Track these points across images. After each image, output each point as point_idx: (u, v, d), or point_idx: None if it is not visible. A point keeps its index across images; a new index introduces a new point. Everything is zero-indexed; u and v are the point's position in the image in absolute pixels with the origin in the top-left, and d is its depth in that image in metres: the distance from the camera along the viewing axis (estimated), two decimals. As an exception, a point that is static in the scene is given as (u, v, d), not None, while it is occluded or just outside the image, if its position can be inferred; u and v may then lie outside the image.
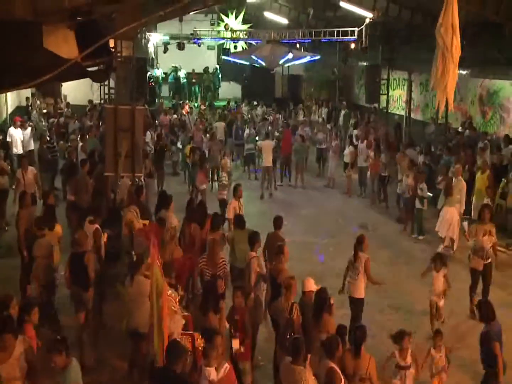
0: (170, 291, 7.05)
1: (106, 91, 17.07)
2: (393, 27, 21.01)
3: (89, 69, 10.99)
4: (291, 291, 7.21)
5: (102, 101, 22.37)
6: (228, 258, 9.43)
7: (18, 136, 16.81)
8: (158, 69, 30.78)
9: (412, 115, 21.84)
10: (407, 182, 13.60)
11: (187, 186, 16.62)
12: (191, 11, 20.46)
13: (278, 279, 7.89)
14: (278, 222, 9.64)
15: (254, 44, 27.11)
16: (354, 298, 8.58)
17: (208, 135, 19.17)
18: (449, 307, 9.55)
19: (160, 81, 30.89)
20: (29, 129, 17.70)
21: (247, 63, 27.78)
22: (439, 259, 9.01)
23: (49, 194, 11.07)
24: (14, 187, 12.86)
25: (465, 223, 11.49)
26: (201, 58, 30.90)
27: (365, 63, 24.06)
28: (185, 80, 31.11)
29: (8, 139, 16.76)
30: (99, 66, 12.21)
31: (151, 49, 30.17)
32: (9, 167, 14.49)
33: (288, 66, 28.98)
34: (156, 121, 21.78)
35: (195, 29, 24.75)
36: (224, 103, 27.24)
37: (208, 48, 31.87)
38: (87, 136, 16.63)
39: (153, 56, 31.33)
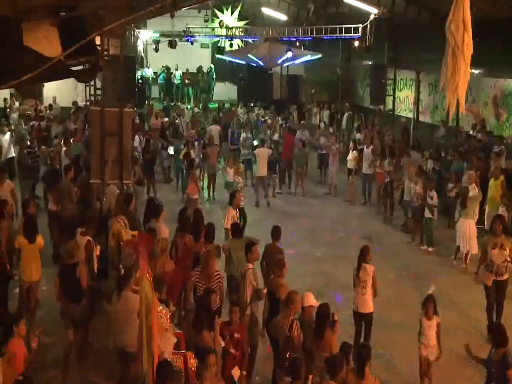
0: (160, 307, 7.02)
1: (92, 92, 17.07)
2: (399, 24, 21.11)
3: (74, 68, 10.96)
4: (290, 307, 7.19)
5: (87, 103, 22.39)
6: (225, 268, 9.43)
7: (-5, 142, 16.79)
8: (148, 68, 30.90)
9: (421, 118, 21.91)
10: (416, 189, 13.62)
11: (181, 194, 16.62)
12: (183, 7, 20.53)
13: (277, 294, 7.87)
14: (276, 232, 9.64)
15: (251, 42, 27.30)
16: (363, 313, 8.58)
17: (203, 140, 19.20)
18: (455, 322, 9.53)
19: (150, 82, 31.01)
20: (8, 134, 17.66)
21: (244, 63, 27.86)
22: (431, 304, 7.72)
23: (29, 203, 11.04)
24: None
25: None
26: (194, 57, 31.02)
27: (369, 63, 24.15)
28: (179, 81, 31.18)
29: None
30: (84, 66, 12.19)
31: (140, 47, 30.31)
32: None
33: (287, 66, 29.05)
34: (146, 125, 21.81)
35: (187, 26, 24.85)
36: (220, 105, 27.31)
37: (201, 47, 32.00)
38: (71, 141, 16.60)
39: (143, 55, 31.44)
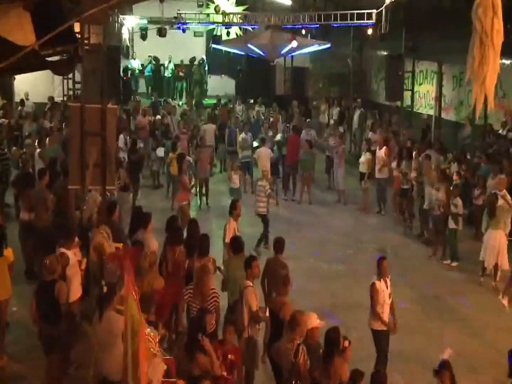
0: (148, 329, 7.00)
1: (71, 86, 17.14)
2: (419, 9, 21.17)
3: (50, 59, 10.98)
4: (296, 329, 7.17)
5: (65, 98, 22.42)
6: (221, 287, 9.44)
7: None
8: (134, 59, 30.98)
9: (443, 115, 21.95)
10: (438, 196, 13.62)
11: (171, 202, 16.64)
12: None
13: (280, 315, 7.86)
14: (279, 244, 9.65)
15: (251, 30, 27.32)
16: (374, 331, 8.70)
17: (196, 140, 19.23)
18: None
19: (136, 75, 31.07)
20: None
21: (242, 53, 27.93)
22: (447, 374, 6.88)
23: (-3, 212, 11.07)
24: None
25: None
26: (187, 47, 31.10)
27: (384, 53, 24.22)
28: (171, 74, 31.22)
29: None
30: (62, 56, 12.20)
31: (125, 35, 30.40)
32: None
33: (292, 57, 29.10)
34: (132, 123, 21.83)
35: (179, 12, 24.91)
36: (214, 101, 27.33)
37: (195, 35, 32.05)
38: (46, 141, 16.62)
39: (128, 44, 31.51)
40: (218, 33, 28.08)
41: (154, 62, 31.43)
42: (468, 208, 14.24)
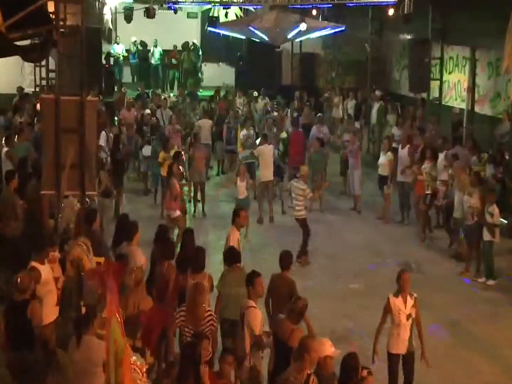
0: (134, 357, 6.99)
1: (44, 74, 17.14)
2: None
3: (19, 43, 11.02)
4: (305, 357, 7.14)
5: (37, 89, 22.42)
6: (215, 308, 9.42)
7: None
8: (117, 44, 30.99)
9: (477, 109, 21.88)
10: (470, 203, 13.62)
11: (160, 209, 16.64)
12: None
13: (288, 342, 7.83)
14: (286, 259, 9.64)
15: (253, 10, 27.36)
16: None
17: (189, 138, 19.25)
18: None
19: (121, 62, 31.07)
20: None
21: (243, 38, 27.95)
22: None
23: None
24: None
25: None
26: (179, 30, 31.11)
27: (408, 37, 24.19)
28: (159, 61, 31.22)
29: None
30: (33, 40, 12.26)
31: (107, 16, 30.40)
32: None
33: (300, 42, 29.15)
34: (116, 118, 21.86)
35: (169, -11, 24.96)
36: (210, 92, 27.34)
37: (188, 16, 32.17)
38: (15, 139, 16.63)
39: (111, 27, 31.54)
40: (215, 14, 28.09)
41: (141, 48, 31.44)
42: (506, 217, 14.21)
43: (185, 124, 21.46)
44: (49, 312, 9.02)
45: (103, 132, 17.98)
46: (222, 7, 26.62)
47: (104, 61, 28.54)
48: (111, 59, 29.92)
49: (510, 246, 14.64)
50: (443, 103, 23.05)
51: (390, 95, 25.13)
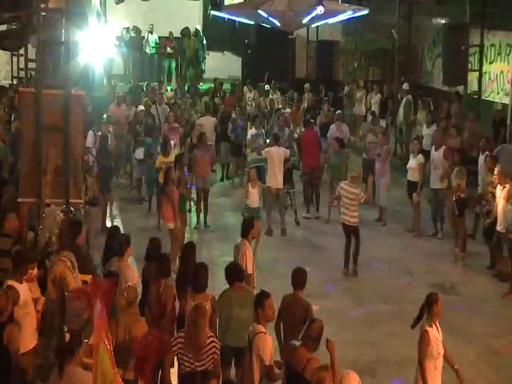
0: (124, 391, 6.99)
1: (22, 65, 17.15)
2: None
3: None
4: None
5: (14, 82, 22.47)
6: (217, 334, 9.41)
7: None
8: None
9: (523, 104, 21.83)
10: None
11: (156, 219, 16.64)
12: None
13: (304, 373, 7.80)
14: (299, 277, 9.61)
15: (263, -9, 27.38)
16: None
17: (189, 138, 19.26)
18: None
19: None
20: None
21: (251, 23, 27.93)
22: None
23: None
24: None
25: None
26: (178, 14, 31.19)
27: (442, 21, 24.17)
28: (154, 50, 31.21)
29: None
30: (10, 25, 12.30)
31: (96, -3, 30.48)
32: None
33: (317, 28, 29.14)
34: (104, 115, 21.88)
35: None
36: (213, 85, 27.34)
37: (188, -2, 32.25)
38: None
39: (99, 10, 31.59)
40: (220, -4, 28.22)
41: (134, 35, 31.48)
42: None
43: (184, 122, 21.46)
44: (28, 338, 9.01)
45: (91, 132, 18.02)
46: (227, -13, 26.77)
47: (92, 50, 28.57)
48: (100, 48, 29.94)
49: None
50: (482, 97, 22.97)
51: (420, 88, 25.09)
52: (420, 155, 17.37)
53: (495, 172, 14.87)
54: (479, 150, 17.27)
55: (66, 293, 9.60)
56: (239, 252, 11.18)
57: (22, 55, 16.98)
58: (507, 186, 14.07)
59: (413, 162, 17.34)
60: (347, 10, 25.20)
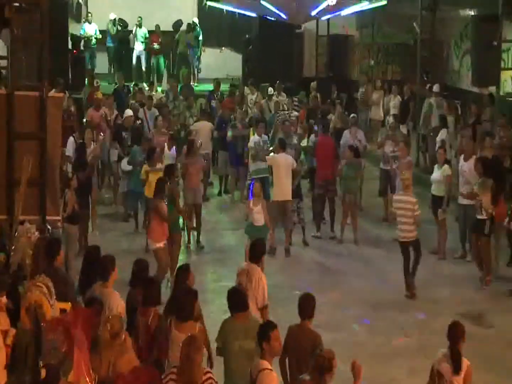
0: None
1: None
2: None
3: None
4: None
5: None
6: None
7: None
8: (89, 24, 31.10)
9: None
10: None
11: (144, 239, 16.64)
12: None
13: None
14: (307, 305, 9.61)
15: (267, -22, 27.49)
16: None
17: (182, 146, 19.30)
18: None
19: (93, 46, 31.13)
20: None
21: (253, 15, 28.03)
22: None
23: None
24: None
25: None
26: (169, 5, 31.28)
27: (471, 12, 24.22)
28: (143, 46, 31.19)
29: None
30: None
31: (76, -14, 30.63)
32: None
33: (328, 20, 29.15)
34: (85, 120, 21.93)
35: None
36: (210, 86, 27.38)
37: (181, -14, 32.35)
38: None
39: (81, 0, 31.70)
40: (217, -16, 28.31)
41: (119, 28, 31.55)
42: None
43: (179, 127, 21.48)
44: (-3, 375, 9.05)
45: (71, 139, 18.03)
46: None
47: (71, 46, 28.58)
48: (81, 43, 29.93)
49: None
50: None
51: (446, 89, 25.09)
52: (446, 166, 17.30)
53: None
54: (511, 160, 17.33)
55: (42, 324, 9.62)
56: (251, 280, 11.05)
57: (-8, 51, 17.10)
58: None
59: (438, 174, 17.27)
60: (362, 1, 25.32)
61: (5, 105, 10.78)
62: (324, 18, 27.71)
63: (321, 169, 18.50)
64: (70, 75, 27.05)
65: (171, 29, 32.01)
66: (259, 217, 15.68)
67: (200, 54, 32.25)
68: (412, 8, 25.57)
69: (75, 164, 17.09)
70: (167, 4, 30.73)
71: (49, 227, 11.66)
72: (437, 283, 15.82)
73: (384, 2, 24.91)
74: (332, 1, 23.22)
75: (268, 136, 20.10)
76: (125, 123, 20.73)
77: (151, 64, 31.67)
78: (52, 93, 11.46)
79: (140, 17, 30.83)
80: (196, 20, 32.14)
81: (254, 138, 19.55)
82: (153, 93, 26.41)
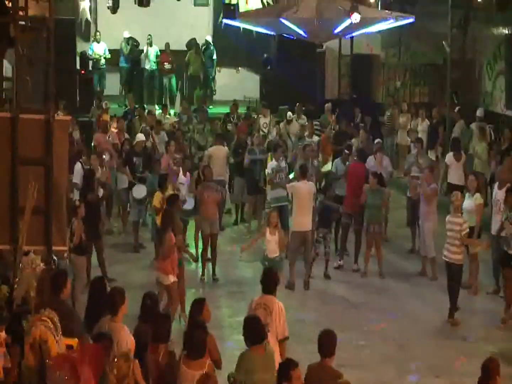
0: None
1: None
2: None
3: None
4: None
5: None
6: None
7: None
8: (98, 43, 31.26)
9: None
10: None
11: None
12: None
13: None
14: (328, 342, 9.55)
15: (286, -5, 27.59)
16: None
17: (196, 172, 19.30)
18: None
19: (102, 66, 31.26)
20: None
21: (272, 34, 28.09)
22: None
23: None
24: None
25: None
26: (183, 24, 31.38)
27: (505, 31, 24.21)
28: (155, 66, 31.24)
29: None
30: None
31: (85, 4, 30.75)
32: None
33: (351, 39, 29.21)
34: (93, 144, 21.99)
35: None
36: (226, 109, 27.42)
37: (195, 4, 32.50)
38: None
39: (89, 19, 31.86)
40: (233, 1, 28.36)
41: (133, 47, 31.63)
42: None
43: (191, 152, 21.53)
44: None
45: (78, 165, 18.07)
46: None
47: (79, 66, 28.71)
48: (89, 63, 30.05)
49: None
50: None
51: (479, 113, 25.04)
52: (478, 194, 17.24)
53: None
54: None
55: (47, 361, 9.61)
56: (270, 312, 11.01)
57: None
58: None
59: (470, 203, 17.18)
60: (388, 18, 25.30)
61: (10, 129, 10.78)
62: (348, 36, 27.75)
63: (351, 198, 18.37)
64: (77, 97, 27.13)
65: (185, 48, 32.05)
66: (274, 248, 15.67)
67: (215, 74, 32.37)
68: (442, 26, 25.60)
69: (82, 191, 17.14)
70: (180, 22, 30.82)
71: (55, 258, 11.65)
72: (468, 321, 15.72)
73: (411, 20, 24.86)
74: (356, 19, 23.10)
75: (287, 162, 20.07)
76: (136, 147, 20.74)
77: (163, 85, 31.80)
78: (59, 116, 11.43)
79: (150, 35, 30.89)
80: (209, 39, 32.25)
81: (271, 164, 19.48)
82: (167, 116, 26.49)
